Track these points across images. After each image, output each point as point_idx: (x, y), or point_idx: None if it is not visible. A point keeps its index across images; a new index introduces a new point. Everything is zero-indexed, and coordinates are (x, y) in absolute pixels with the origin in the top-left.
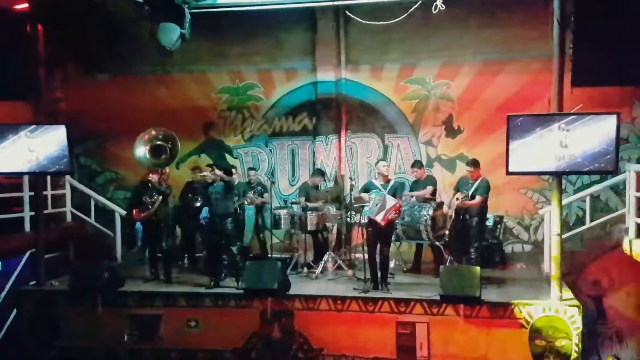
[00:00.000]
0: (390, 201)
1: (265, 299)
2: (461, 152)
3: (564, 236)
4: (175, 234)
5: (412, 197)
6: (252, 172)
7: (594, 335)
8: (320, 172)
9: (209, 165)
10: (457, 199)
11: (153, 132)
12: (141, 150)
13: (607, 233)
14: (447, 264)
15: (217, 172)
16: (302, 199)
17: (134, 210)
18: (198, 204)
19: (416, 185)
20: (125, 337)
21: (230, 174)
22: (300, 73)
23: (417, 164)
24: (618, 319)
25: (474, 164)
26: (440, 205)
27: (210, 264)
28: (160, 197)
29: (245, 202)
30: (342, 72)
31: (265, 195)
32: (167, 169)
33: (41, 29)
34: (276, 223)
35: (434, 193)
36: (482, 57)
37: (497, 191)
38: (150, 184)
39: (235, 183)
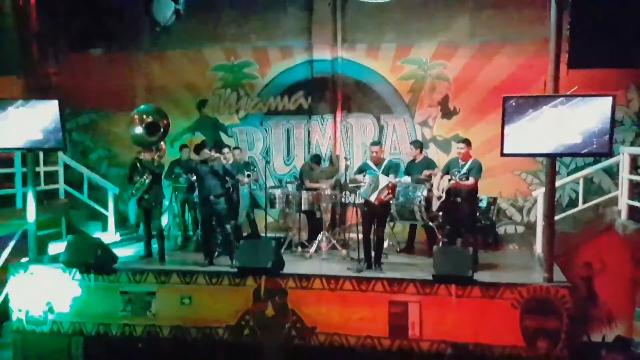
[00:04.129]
0: (384, 181)
1: (259, 277)
2: (456, 133)
3: (556, 218)
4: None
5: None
6: (236, 152)
7: (584, 316)
8: (317, 158)
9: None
10: (450, 179)
11: (139, 110)
12: (136, 130)
13: (600, 215)
14: (440, 244)
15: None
16: (307, 181)
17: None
18: (193, 179)
19: (412, 165)
20: (119, 313)
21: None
22: (296, 51)
23: (415, 144)
24: (608, 299)
25: (466, 142)
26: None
27: (204, 242)
28: (151, 176)
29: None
30: (338, 51)
31: (254, 174)
32: (163, 145)
33: (34, 3)
34: (271, 202)
35: None
36: (479, 39)
37: (492, 173)
38: (139, 163)
39: (230, 162)
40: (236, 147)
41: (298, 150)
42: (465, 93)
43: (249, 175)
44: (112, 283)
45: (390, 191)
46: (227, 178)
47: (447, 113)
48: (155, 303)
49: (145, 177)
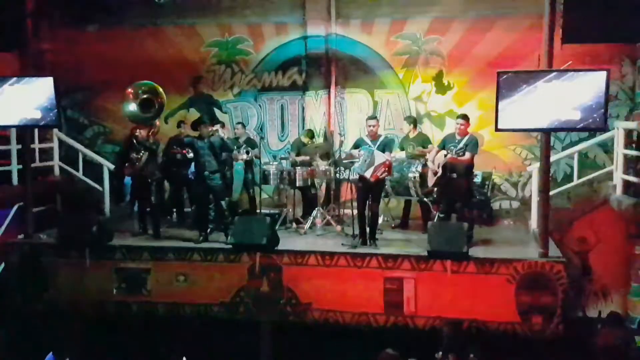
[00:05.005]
0: (379, 157)
1: (254, 254)
2: (451, 109)
3: (551, 193)
4: (164, 188)
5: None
6: (239, 126)
7: (579, 291)
8: (310, 133)
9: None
10: (447, 154)
11: (134, 86)
12: (131, 107)
13: (595, 190)
14: (435, 220)
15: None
16: (293, 154)
17: (126, 165)
18: (190, 156)
19: (407, 141)
20: (114, 290)
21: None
22: (290, 27)
23: (410, 119)
24: (604, 274)
25: (465, 118)
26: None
27: (199, 219)
28: (147, 153)
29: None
30: (332, 27)
31: (255, 150)
32: (158, 122)
33: None
34: (265, 178)
35: None
36: (472, 13)
37: (486, 148)
38: (136, 140)
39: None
40: (239, 122)
41: (292, 126)
42: (459, 68)
43: (247, 152)
44: (107, 260)
45: (386, 169)
46: (223, 153)
47: (441, 88)
48: (150, 280)
49: (141, 153)
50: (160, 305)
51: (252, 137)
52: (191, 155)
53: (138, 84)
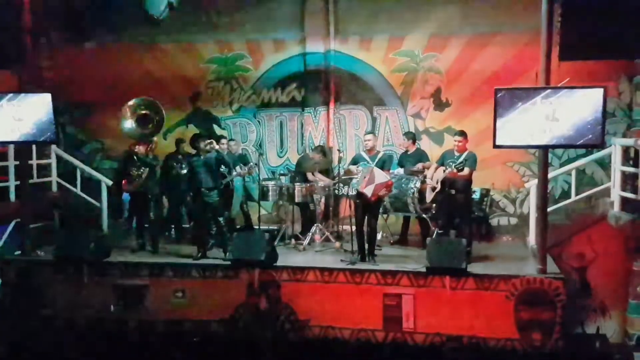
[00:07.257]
0: (380, 176)
1: (253, 270)
2: (449, 125)
3: (549, 209)
4: (163, 204)
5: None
6: (232, 143)
7: (577, 307)
8: (322, 150)
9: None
10: (445, 170)
11: (132, 102)
12: (128, 123)
13: (592, 206)
14: (434, 236)
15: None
16: (317, 175)
17: (123, 181)
18: (184, 172)
19: (405, 157)
20: (112, 307)
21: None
22: (289, 43)
23: (408, 135)
24: (602, 290)
25: (463, 134)
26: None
27: (197, 235)
28: (147, 169)
29: (234, 173)
30: (331, 43)
31: (248, 166)
32: (156, 139)
33: None
34: (264, 194)
35: None
36: (470, 30)
37: (484, 164)
38: (135, 156)
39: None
40: (231, 139)
41: (291, 142)
42: (457, 85)
43: (240, 167)
44: (105, 276)
45: (386, 188)
46: (221, 168)
47: (440, 105)
48: (148, 297)
49: (142, 170)
50: (158, 322)
51: (243, 153)
52: (183, 172)
53: (137, 100)
